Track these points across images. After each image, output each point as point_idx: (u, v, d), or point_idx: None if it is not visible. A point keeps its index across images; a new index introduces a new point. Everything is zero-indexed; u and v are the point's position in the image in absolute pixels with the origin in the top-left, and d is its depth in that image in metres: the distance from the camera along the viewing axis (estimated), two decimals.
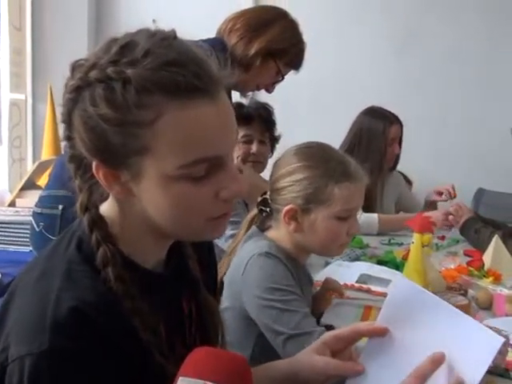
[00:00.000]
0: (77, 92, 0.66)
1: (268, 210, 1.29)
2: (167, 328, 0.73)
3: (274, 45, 1.65)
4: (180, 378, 0.63)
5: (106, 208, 0.74)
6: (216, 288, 0.95)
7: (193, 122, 0.64)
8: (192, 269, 0.81)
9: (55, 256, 0.71)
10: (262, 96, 2.02)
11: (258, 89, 1.77)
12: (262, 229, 1.30)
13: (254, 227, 1.30)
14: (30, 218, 1.60)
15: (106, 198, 0.74)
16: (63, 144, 0.72)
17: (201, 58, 0.67)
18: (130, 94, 0.62)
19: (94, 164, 0.67)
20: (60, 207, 1.51)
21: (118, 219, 0.72)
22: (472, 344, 0.75)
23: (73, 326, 0.63)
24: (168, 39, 0.67)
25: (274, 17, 1.69)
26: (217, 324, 0.83)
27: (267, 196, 1.29)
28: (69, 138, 0.69)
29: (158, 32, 0.68)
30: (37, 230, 1.55)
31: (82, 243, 0.71)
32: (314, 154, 1.26)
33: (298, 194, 1.21)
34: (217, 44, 1.59)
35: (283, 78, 1.73)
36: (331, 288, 1.40)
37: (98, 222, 0.70)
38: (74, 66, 0.68)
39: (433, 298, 0.81)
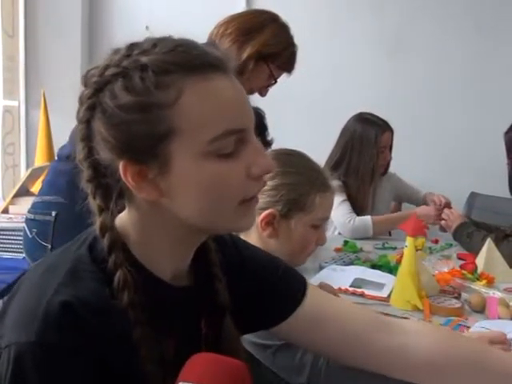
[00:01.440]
0: (95, 96, 0.66)
1: None
2: (177, 344, 0.71)
3: (266, 48, 1.66)
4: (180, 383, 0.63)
5: (124, 221, 0.73)
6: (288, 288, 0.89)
7: (213, 94, 0.66)
8: (218, 289, 0.78)
9: (65, 254, 0.72)
10: (252, 100, 2.02)
11: (252, 93, 1.78)
12: None
13: None
14: (23, 224, 1.59)
15: (120, 211, 0.73)
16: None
17: (203, 44, 0.70)
18: (148, 78, 0.64)
19: (121, 166, 0.66)
20: (53, 213, 1.49)
21: (137, 231, 0.71)
22: None
23: (61, 321, 0.62)
24: (167, 36, 0.69)
25: (265, 20, 1.70)
26: (234, 354, 0.75)
27: None
28: (89, 155, 0.68)
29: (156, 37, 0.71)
30: (29, 236, 1.54)
31: (95, 244, 0.70)
32: (294, 161, 1.26)
33: (279, 198, 1.21)
34: None
35: (276, 81, 1.74)
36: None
37: (118, 244, 0.69)
38: (87, 76, 0.68)
39: None
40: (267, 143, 2.08)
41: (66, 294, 0.64)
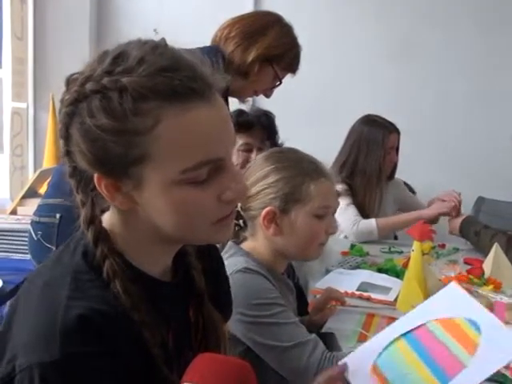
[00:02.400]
0: (74, 105, 0.66)
1: (241, 222, 1.27)
2: (175, 335, 0.74)
3: (271, 51, 1.66)
4: None
5: (109, 219, 0.74)
6: (229, 301, 0.95)
7: (192, 124, 0.64)
8: (197, 280, 0.81)
9: (59, 265, 0.72)
10: (259, 102, 2.03)
11: (257, 94, 1.79)
12: (238, 242, 1.28)
13: (229, 242, 1.27)
14: (29, 227, 1.60)
15: (107, 209, 0.75)
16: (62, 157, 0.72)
17: (194, 63, 0.67)
18: (127, 102, 0.63)
19: (95, 176, 0.67)
20: (57, 216, 1.50)
21: (121, 230, 0.73)
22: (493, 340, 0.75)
23: (83, 335, 0.63)
24: (159, 47, 0.67)
25: (269, 22, 1.70)
26: (219, 337, 0.83)
27: (238, 208, 1.25)
28: (68, 153, 0.69)
29: (148, 41, 0.69)
30: (35, 238, 1.54)
31: (88, 252, 0.71)
32: (286, 156, 1.27)
33: (275, 195, 1.21)
34: (213, 52, 1.60)
35: (281, 83, 1.74)
36: (333, 297, 1.40)
37: (102, 235, 0.71)
38: (69, 80, 0.68)
39: (475, 303, 0.82)
40: (276, 146, 2.09)
41: (79, 307, 0.64)
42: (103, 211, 0.74)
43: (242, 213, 1.26)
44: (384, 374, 0.79)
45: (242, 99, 1.80)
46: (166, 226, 0.70)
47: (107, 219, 0.74)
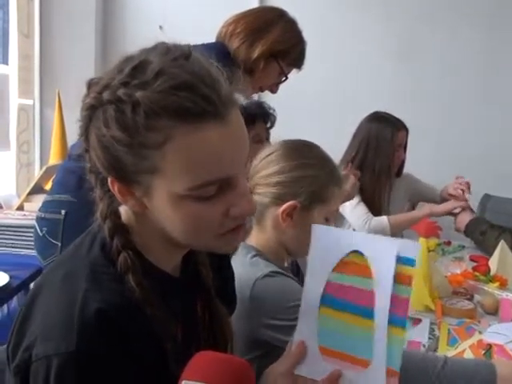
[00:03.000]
0: (91, 110, 0.67)
1: None
2: (183, 331, 0.75)
3: (277, 46, 1.66)
4: (183, 382, 0.63)
5: (125, 213, 0.75)
6: (234, 298, 0.96)
7: (201, 145, 0.64)
8: (204, 276, 0.82)
9: (78, 257, 0.73)
10: (266, 99, 2.03)
11: (262, 90, 1.78)
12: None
13: None
14: (34, 223, 1.61)
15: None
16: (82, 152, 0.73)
17: (213, 79, 0.66)
18: (139, 117, 0.63)
19: (109, 179, 0.69)
20: (63, 212, 1.50)
21: (135, 225, 0.74)
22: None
23: (99, 329, 0.64)
24: (180, 58, 0.66)
25: (274, 18, 1.69)
26: (226, 333, 0.84)
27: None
28: (87, 151, 0.71)
29: (171, 50, 0.67)
30: (40, 234, 1.54)
31: (106, 245, 0.72)
32: (314, 154, 1.27)
33: (301, 190, 1.21)
34: (219, 49, 1.59)
35: (287, 78, 1.74)
36: None
37: (118, 229, 0.72)
38: (90, 84, 0.69)
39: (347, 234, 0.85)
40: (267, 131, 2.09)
41: (97, 301, 0.66)
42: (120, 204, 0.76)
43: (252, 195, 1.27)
44: (332, 347, 0.79)
45: (247, 96, 1.80)
46: (174, 232, 0.71)
47: (123, 213, 0.75)
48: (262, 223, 1.27)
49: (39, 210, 1.59)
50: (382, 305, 0.75)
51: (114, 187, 0.69)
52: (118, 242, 0.71)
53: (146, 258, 0.73)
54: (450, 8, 3.23)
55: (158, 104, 0.63)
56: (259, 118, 2.00)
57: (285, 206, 1.22)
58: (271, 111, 2.07)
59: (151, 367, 0.69)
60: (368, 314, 0.76)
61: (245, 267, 1.17)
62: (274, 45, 1.65)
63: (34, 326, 0.67)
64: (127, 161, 0.65)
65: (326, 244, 0.81)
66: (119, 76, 0.66)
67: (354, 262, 0.79)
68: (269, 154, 1.29)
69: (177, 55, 0.66)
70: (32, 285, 1.74)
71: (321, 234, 0.83)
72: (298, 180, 1.23)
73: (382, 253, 0.76)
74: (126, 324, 0.66)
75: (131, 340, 0.66)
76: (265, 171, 1.26)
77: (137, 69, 0.65)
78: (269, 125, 2.00)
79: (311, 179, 1.23)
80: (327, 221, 1.25)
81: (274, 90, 1.76)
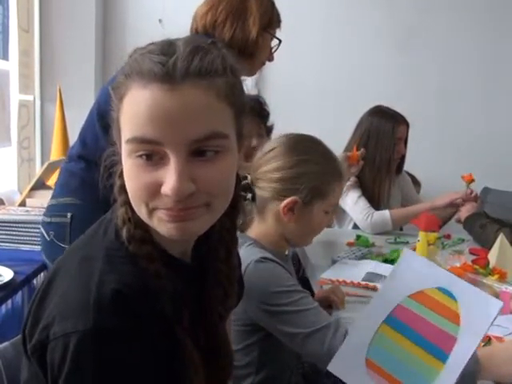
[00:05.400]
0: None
1: (249, 196, 1.28)
2: (189, 315, 0.76)
3: (264, 18, 1.64)
4: None
5: None
6: (242, 285, 0.99)
7: (140, 102, 0.68)
8: (218, 262, 0.85)
9: (94, 242, 0.76)
10: (266, 93, 2.03)
11: (264, 64, 1.76)
12: (242, 229, 1.29)
13: None
14: (40, 222, 1.59)
15: None
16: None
17: (180, 51, 0.70)
18: (122, 77, 0.72)
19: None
20: (69, 215, 1.50)
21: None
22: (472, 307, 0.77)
23: (115, 307, 0.66)
24: (193, 35, 0.72)
25: None
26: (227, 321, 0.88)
27: (248, 181, 1.28)
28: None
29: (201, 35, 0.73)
30: (47, 239, 1.54)
31: (119, 231, 0.75)
32: (316, 149, 1.29)
33: (302, 186, 1.24)
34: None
35: (280, 41, 1.71)
36: (331, 300, 1.43)
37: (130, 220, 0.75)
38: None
39: (439, 270, 0.83)
40: (268, 129, 2.10)
41: (113, 281, 0.68)
42: None
43: (252, 187, 1.28)
44: (381, 365, 0.80)
45: (252, 74, 1.78)
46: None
47: None
48: (264, 216, 1.29)
49: (44, 215, 1.58)
50: (461, 355, 0.75)
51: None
52: (129, 227, 0.74)
53: (156, 241, 0.75)
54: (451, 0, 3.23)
55: (130, 66, 0.71)
56: (250, 114, 2.00)
57: (287, 201, 1.24)
58: (265, 107, 2.08)
59: (162, 347, 0.71)
60: (440, 354, 0.76)
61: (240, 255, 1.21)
62: (262, 18, 1.64)
63: (52, 306, 0.69)
64: (112, 116, 0.74)
65: (412, 270, 0.82)
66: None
67: (437, 300, 0.78)
68: (270, 150, 1.30)
69: (193, 35, 0.74)
70: (34, 280, 1.75)
71: (411, 259, 0.84)
72: (298, 176, 1.24)
73: (482, 309, 0.76)
74: (140, 304, 0.68)
75: (144, 320, 0.68)
76: (266, 167, 1.28)
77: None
78: (262, 121, 2.01)
79: (312, 175, 1.24)
80: (327, 213, 1.28)
81: (271, 58, 1.74)
